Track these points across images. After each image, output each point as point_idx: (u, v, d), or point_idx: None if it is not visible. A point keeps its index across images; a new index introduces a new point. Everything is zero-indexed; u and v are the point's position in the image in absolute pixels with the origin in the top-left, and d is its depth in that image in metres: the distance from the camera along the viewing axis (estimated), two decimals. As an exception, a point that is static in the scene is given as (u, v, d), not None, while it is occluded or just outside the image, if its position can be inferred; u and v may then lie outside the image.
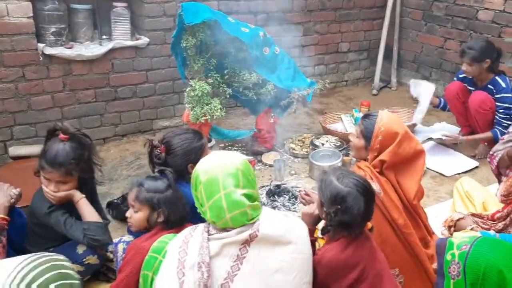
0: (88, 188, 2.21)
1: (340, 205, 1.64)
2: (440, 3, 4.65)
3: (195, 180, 1.52)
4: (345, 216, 1.64)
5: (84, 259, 2.07)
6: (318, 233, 1.86)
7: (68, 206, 2.11)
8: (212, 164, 1.51)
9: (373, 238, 1.81)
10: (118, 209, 2.73)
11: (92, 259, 2.09)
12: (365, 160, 2.13)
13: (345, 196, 1.63)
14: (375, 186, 2.01)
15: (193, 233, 1.52)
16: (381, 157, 2.03)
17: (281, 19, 4.28)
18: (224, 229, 1.48)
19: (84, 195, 2.12)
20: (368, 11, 4.96)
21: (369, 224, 1.76)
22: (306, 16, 4.52)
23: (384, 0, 4.93)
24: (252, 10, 4.12)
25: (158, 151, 2.08)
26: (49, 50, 3.31)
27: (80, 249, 2.08)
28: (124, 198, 2.85)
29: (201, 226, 1.54)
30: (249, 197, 1.48)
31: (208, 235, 1.48)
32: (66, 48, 3.41)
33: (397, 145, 2.02)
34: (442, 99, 3.91)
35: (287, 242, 1.50)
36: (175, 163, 2.09)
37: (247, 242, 1.44)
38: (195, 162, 2.13)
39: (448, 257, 1.36)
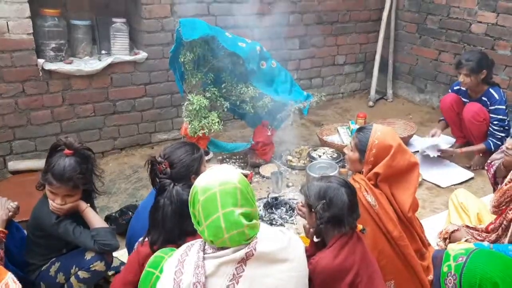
0: (91, 198, 2.27)
1: (324, 198, 1.75)
2: (434, 17, 4.73)
3: (193, 198, 1.52)
4: (332, 210, 1.73)
5: (91, 265, 2.10)
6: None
7: (73, 217, 2.15)
8: (210, 183, 1.50)
9: (368, 244, 1.85)
10: (116, 222, 2.75)
11: (99, 265, 2.11)
12: (360, 172, 2.16)
13: (326, 190, 1.77)
14: (370, 198, 2.05)
15: (189, 252, 1.51)
16: (376, 169, 2.06)
17: (278, 33, 4.34)
18: (221, 248, 1.48)
19: (88, 204, 2.18)
20: (363, 24, 5.04)
21: (360, 226, 1.80)
22: (303, 30, 4.59)
23: (379, 14, 5.02)
24: (249, 24, 4.17)
25: (163, 166, 2.10)
26: (49, 66, 3.36)
27: (88, 255, 2.11)
28: (122, 211, 2.88)
29: (197, 244, 1.53)
30: (247, 216, 1.48)
31: (204, 253, 1.48)
32: (66, 63, 3.46)
33: (391, 158, 2.05)
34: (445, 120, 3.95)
35: (283, 260, 1.50)
36: (179, 176, 2.12)
37: (243, 261, 1.44)
38: (196, 173, 2.18)
39: (445, 268, 1.38)
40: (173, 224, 1.83)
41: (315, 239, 1.88)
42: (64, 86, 3.49)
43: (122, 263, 2.43)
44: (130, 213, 2.79)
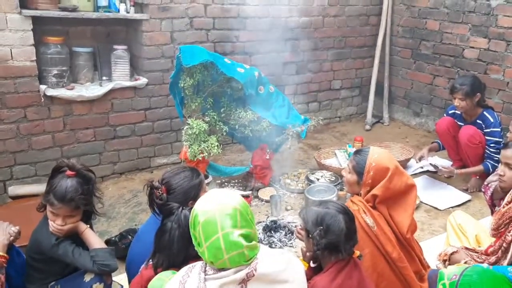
0: (90, 220, 2.28)
1: (322, 225, 1.75)
2: (428, 42, 4.85)
3: (194, 220, 1.55)
4: (329, 236, 1.74)
5: (91, 287, 2.09)
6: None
7: (72, 238, 2.15)
8: (210, 205, 1.53)
9: (363, 266, 1.86)
10: (116, 246, 2.75)
11: (99, 287, 2.10)
12: (358, 195, 2.19)
13: (324, 216, 1.77)
14: (369, 220, 2.07)
15: (190, 274, 1.53)
16: (374, 191, 2.10)
17: (275, 58, 4.44)
18: (222, 269, 1.49)
19: (88, 226, 2.19)
20: (358, 50, 5.15)
21: (357, 252, 1.82)
22: (299, 56, 4.69)
23: (374, 40, 5.14)
24: (247, 51, 4.29)
25: (160, 192, 2.13)
26: (50, 92, 3.42)
27: (87, 277, 2.11)
28: (122, 235, 2.89)
29: (198, 265, 1.55)
30: (246, 237, 1.50)
31: (205, 275, 1.49)
32: (67, 89, 3.52)
33: (388, 180, 2.09)
34: (439, 142, 4.00)
35: (283, 281, 1.51)
36: (176, 201, 2.14)
37: (244, 282, 1.46)
38: (195, 198, 2.20)
39: (440, 287, 1.41)
40: (179, 248, 1.83)
41: (312, 264, 1.89)
42: (65, 112, 3.54)
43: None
44: (130, 237, 2.80)
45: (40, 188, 3.01)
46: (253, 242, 1.53)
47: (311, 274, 1.84)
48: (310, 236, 1.79)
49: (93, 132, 3.72)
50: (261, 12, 4.23)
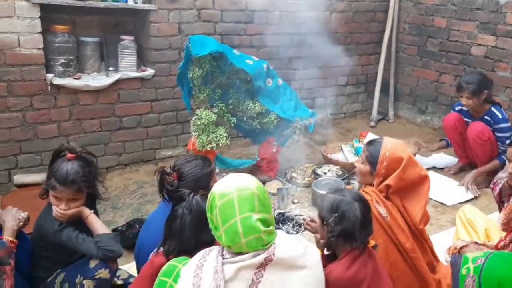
0: (94, 205, 2.27)
1: (337, 211, 1.74)
2: (435, 40, 4.83)
3: (211, 203, 1.53)
4: (344, 223, 1.72)
5: (96, 273, 2.06)
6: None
7: (76, 225, 2.13)
8: (228, 188, 1.52)
9: (377, 256, 1.84)
10: (123, 236, 2.73)
11: (104, 273, 2.08)
12: (371, 185, 2.17)
13: (339, 203, 1.76)
14: (382, 210, 2.06)
15: (207, 257, 1.51)
16: (387, 182, 2.08)
17: (282, 53, 4.42)
18: (239, 253, 1.48)
19: (92, 211, 2.17)
20: (365, 46, 5.13)
21: (372, 242, 1.80)
22: (306, 51, 4.66)
23: (380, 37, 5.12)
24: (254, 44, 4.27)
25: (171, 178, 2.11)
26: (57, 81, 3.39)
27: (93, 263, 2.08)
28: (129, 225, 2.87)
29: (215, 249, 1.54)
30: (264, 222, 1.49)
31: (223, 258, 1.48)
32: (74, 78, 3.50)
33: (402, 170, 2.07)
34: (447, 140, 4.00)
35: (302, 266, 1.50)
36: (187, 189, 2.12)
37: (262, 266, 1.44)
38: (205, 187, 2.19)
39: (464, 271, 1.40)
40: (191, 234, 1.82)
41: (326, 252, 1.87)
42: (71, 101, 3.52)
43: (131, 276, 2.40)
44: (138, 226, 2.78)
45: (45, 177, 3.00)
46: (271, 227, 1.51)
47: (324, 262, 1.82)
48: (325, 222, 1.77)
49: (99, 122, 3.70)
50: (269, 5, 4.22)
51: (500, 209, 2.84)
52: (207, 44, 2.99)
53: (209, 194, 1.56)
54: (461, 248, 2.52)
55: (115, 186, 3.63)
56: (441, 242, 2.80)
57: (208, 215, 1.56)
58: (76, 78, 3.52)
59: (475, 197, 3.55)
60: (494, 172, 3.54)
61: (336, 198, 1.78)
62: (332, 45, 4.82)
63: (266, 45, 4.32)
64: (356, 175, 2.29)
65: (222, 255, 1.49)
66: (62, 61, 3.45)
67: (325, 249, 1.83)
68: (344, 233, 1.71)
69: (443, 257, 2.60)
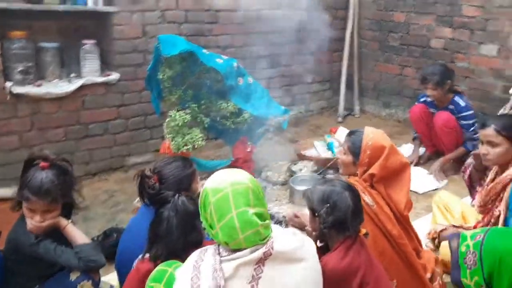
0: (70, 215, 2.15)
1: (328, 202, 1.72)
2: (395, 34, 4.96)
3: (204, 200, 1.48)
4: (337, 213, 1.71)
5: (78, 286, 1.96)
6: None
7: (53, 237, 2.02)
8: (221, 183, 1.47)
9: (368, 244, 1.84)
10: (101, 246, 2.61)
11: (87, 285, 1.98)
12: (354, 175, 2.18)
13: (330, 193, 1.75)
14: (368, 199, 2.06)
15: (203, 257, 1.46)
16: (371, 171, 2.09)
17: (247, 52, 4.40)
18: (236, 250, 1.43)
19: (70, 220, 2.07)
20: (328, 44, 5.18)
21: (363, 230, 1.80)
22: (271, 49, 4.67)
23: (343, 33, 5.20)
24: (220, 44, 4.23)
25: (152, 181, 2.04)
26: (17, 89, 3.23)
27: (73, 276, 1.98)
28: (105, 234, 2.76)
29: (211, 248, 1.49)
30: (260, 216, 1.46)
31: (220, 257, 1.43)
32: (35, 86, 3.33)
33: (385, 159, 2.09)
34: (417, 136, 4.10)
35: (300, 259, 1.48)
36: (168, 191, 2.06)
37: (261, 261, 1.41)
38: (187, 188, 2.13)
39: (463, 248, 1.41)
40: (178, 236, 1.76)
41: (319, 244, 1.86)
42: (33, 110, 3.35)
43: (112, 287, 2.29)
44: (115, 235, 2.66)
45: (8, 191, 2.81)
46: (267, 221, 1.49)
47: (318, 254, 1.81)
48: (317, 214, 1.75)
49: (64, 131, 3.54)
50: (233, 4, 4.18)
51: (471, 193, 2.94)
52: (177, 43, 2.93)
53: (201, 192, 1.51)
54: (441, 231, 2.57)
55: (85, 196, 3.47)
56: (419, 229, 2.84)
57: (202, 213, 1.51)
58: (37, 86, 3.35)
59: (445, 184, 3.66)
60: (460, 159, 3.68)
61: (326, 189, 1.76)
62: (296, 43, 4.86)
63: (232, 45, 4.29)
64: (339, 166, 2.29)
65: (219, 253, 1.44)
66: (21, 68, 3.29)
67: (318, 241, 1.81)
68: (337, 223, 1.70)
69: (423, 242, 2.66)
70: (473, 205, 2.82)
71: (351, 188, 1.78)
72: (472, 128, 3.65)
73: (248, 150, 3.49)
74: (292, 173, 3.57)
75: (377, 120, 5.30)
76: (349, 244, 1.73)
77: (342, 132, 4.21)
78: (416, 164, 3.97)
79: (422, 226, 2.94)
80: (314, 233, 1.83)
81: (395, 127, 5.03)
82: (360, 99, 5.43)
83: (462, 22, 4.34)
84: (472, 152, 2.70)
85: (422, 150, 4.17)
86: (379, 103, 5.34)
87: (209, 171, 3.63)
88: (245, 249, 1.42)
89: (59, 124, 3.50)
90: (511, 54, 4.04)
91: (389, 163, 2.10)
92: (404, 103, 5.05)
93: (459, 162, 3.68)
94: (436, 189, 3.56)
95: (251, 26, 4.32)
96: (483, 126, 2.46)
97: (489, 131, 2.38)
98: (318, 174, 3.48)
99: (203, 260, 1.44)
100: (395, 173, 2.14)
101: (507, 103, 3.43)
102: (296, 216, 2.35)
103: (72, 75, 3.62)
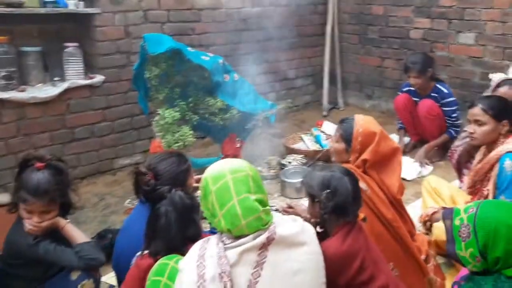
0: (66, 215, 2.15)
1: (329, 187, 1.74)
2: (374, 27, 5.04)
3: (205, 189, 1.49)
4: (337, 198, 1.72)
5: (80, 285, 1.96)
6: None
7: (52, 237, 2.01)
8: (221, 172, 1.49)
9: (366, 229, 1.88)
10: (96, 247, 2.58)
11: (88, 284, 1.98)
12: (347, 162, 2.22)
13: (330, 179, 1.75)
14: (362, 184, 2.09)
15: (206, 246, 1.47)
16: (363, 156, 2.13)
17: (231, 50, 4.41)
18: (239, 237, 1.45)
19: (68, 220, 2.07)
20: (309, 38, 5.25)
21: (361, 215, 1.83)
22: (254, 46, 4.68)
23: (323, 28, 5.26)
24: (203, 43, 4.23)
25: (147, 177, 2.04)
26: (0, 95, 3.17)
27: (74, 275, 1.97)
28: (100, 236, 2.74)
29: (213, 237, 1.50)
30: (261, 202, 1.48)
31: (224, 245, 1.45)
32: (18, 91, 3.28)
33: (376, 144, 2.14)
34: (401, 125, 4.15)
35: (301, 243, 1.50)
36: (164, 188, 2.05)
37: (264, 246, 1.43)
38: (182, 184, 2.13)
39: (457, 222, 1.45)
40: (177, 230, 1.77)
41: (318, 229, 1.88)
42: (18, 116, 3.30)
43: (112, 286, 2.28)
44: (110, 236, 2.64)
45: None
46: (267, 207, 1.51)
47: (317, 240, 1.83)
48: (316, 200, 1.77)
49: (50, 135, 3.49)
50: (215, 3, 4.19)
51: (459, 176, 3.02)
52: (163, 41, 2.93)
53: (201, 181, 1.52)
54: (432, 214, 2.64)
55: (74, 201, 3.43)
56: (410, 215, 2.91)
57: (203, 203, 1.52)
58: (21, 91, 3.30)
59: (431, 170, 3.74)
60: (444, 146, 3.76)
61: (326, 174, 1.77)
62: (278, 39, 4.89)
63: (215, 43, 4.30)
64: (331, 154, 2.32)
65: (222, 241, 1.46)
66: (3, 73, 3.24)
67: (318, 227, 1.83)
68: (337, 208, 1.72)
69: (416, 226, 2.71)
70: (461, 188, 2.90)
71: (349, 173, 1.80)
72: (454, 115, 3.75)
73: (238, 146, 3.51)
74: (282, 167, 3.60)
75: (361, 112, 5.25)
76: (348, 229, 1.75)
77: (327, 126, 4.27)
78: (402, 153, 4.03)
79: (413, 211, 3.00)
80: (312, 220, 1.85)
81: (379, 117, 5.03)
82: (343, 92, 5.50)
83: (439, 12, 4.44)
84: (465, 128, 2.76)
85: (407, 139, 4.25)
86: (362, 95, 5.42)
87: (199, 169, 3.65)
88: (247, 235, 1.44)
89: (45, 128, 3.45)
90: (488, 41, 4.14)
91: (380, 148, 2.15)
92: (386, 94, 5.13)
93: (443, 149, 3.78)
94: (422, 176, 3.63)
95: (233, 24, 4.33)
96: (471, 105, 2.54)
97: (476, 110, 2.46)
98: (308, 166, 3.52)
99: (207, 249, 1.45)
100: (387, 158, 2.19)
101: (487, 89, 3.52)
102: (290, 207, 2.38)
103: (56, 78, 3.57)
